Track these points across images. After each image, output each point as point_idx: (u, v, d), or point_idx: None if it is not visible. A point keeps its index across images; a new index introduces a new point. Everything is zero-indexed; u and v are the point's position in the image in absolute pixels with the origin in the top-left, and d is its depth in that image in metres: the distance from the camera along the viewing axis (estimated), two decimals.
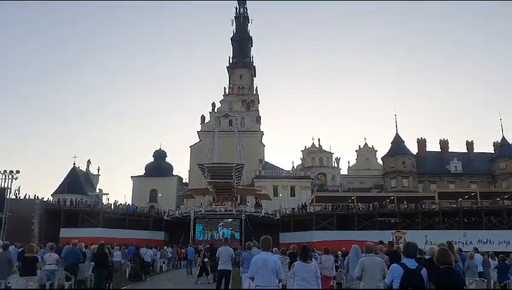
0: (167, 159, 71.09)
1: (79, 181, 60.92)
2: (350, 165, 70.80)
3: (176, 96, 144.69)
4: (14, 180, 40.19)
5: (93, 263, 13.12)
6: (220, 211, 48.18)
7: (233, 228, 47.55)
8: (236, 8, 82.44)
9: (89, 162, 68.90)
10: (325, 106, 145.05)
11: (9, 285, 9.23)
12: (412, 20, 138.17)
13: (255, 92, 77.09)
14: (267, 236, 6.98)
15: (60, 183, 60.05)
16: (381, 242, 11.88)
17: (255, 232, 37.44)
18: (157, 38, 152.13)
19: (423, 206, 49.62)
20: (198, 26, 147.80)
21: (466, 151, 69.83)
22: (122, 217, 48.92)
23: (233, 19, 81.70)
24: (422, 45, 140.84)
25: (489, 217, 46.63)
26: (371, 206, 48.79)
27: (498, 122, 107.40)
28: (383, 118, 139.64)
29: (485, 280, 12.43)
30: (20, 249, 16.41)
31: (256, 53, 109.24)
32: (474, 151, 70.06)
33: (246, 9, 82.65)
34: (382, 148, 71.81)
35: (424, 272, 5.53)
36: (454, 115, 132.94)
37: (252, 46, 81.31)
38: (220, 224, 48.04)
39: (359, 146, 72.01)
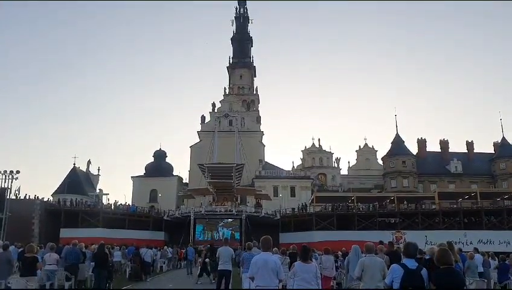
0: (167, 159, 71.11)
1: (79, 181, 60.92)
2: (350, 165, 70.77)
3: (176, 96, 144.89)
4: (14, 180, 40.28)
5: (93, 263, 13.13)
6: (220, 211, 48.18)
7: (233, 228, 47.56)
8: (236, 8, 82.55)
9: (89, 162, 68.95)
10: (325, 106, 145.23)
11: (9, 285, 9.23)
12: (412, 20, 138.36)
13: (255, 92, 77.11)
14: (267, 236, 6.98)
15: (60, 183, 60.04)
16: (381, 242, 11.89)
17: (255, 233, 37.45)
18: (157, 38, 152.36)
19: (423, 207, 49.65)
20: (198, 26, 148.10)
21: (466, 151, 69.82)
22: (122, 217, 48.91)
23: (234, 19, 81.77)
24: (422, 45, 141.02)
25: (489, 218, 46.62)
26: (371, 206, 48.79)
27: (498, 122, 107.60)
28: (383, 118, 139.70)
29: (485, 280, 12.44)
30: (20, 249, 16.42)
31: (256, 53, 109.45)
32: (475, 151, 70.05)
33: (246, 9, 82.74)
34: (382, 149, 71.92)
35: (424, 272, 5.53)
36: (454, 115, 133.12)
37: (252, 46, 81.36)
38: (220, 224, 48.05)
39: (359, 146, 71.99)
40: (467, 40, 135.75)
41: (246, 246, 12.91)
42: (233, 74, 77.91)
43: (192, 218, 46.71)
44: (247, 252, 11.59)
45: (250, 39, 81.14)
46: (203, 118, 69.96)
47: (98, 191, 64.62)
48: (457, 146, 78.94)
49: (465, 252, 12.38)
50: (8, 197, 40.47)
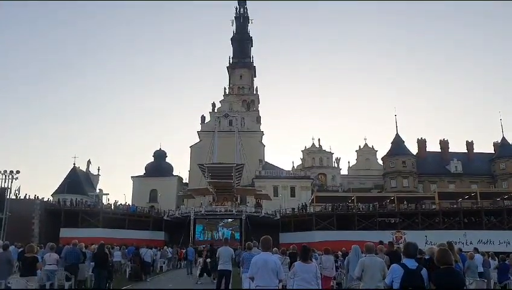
0: (167, 159, 71.12)
1: (79, 181, 60.91)
2: (350, 165, 70.78)
3: (176, 96, 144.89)
4: (14, 180, 40.30)
5: (93, 263, 13.12)
6: (220, 211, 48.18)
7: (233, 228, 47.56)
8: (236, 8, 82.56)
9: (89, 162, 68.94)
10: (325, 106, 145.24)
11: (9, 285, 9.23)
12: (412, 20, 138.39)
13: (255, 92, 77.11)
14: (267, 236, 6.98)
15: (60, 183, 60.04)
16: (381, 242, 11.89)
17: (255, 233, 37.44)
18: (157, 38, 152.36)
19: (423, 207, 49.68)
20: (198, 26, 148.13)
21: (466, 151, 69.84)
22: (122, 217, 48.92)
23: (234, 19, 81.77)
24: (422, 45, 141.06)
25: (489, 218, 46.63)
26: (371, 206, 48.80)
27: (498, 122, 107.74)
28: (383, 118, 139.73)
29: (485, 280, 12.44)
30: (20, 249, 16.42)
31: (256, 53, 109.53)
32: (474, 151, 70.07)
33: (246, 9, 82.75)
34: (382, 149, 71.94)
35: (424, 272, 5.54)
36: (454, 115, 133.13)
37: (252, 46, 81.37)
38: (220, 224, 48.06)
39: (359, 146, 72.00)
40: (467, 40, 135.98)
41: (246, 246, 12.89)
42: (233, 74, 77.92)
43: (192, 218, 46.71)
44: (247, 252, 11.58)
45: (250, 39, 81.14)
46: (203, 118, 69.97)
47: (98, 191, 64.66)
48: (457, 146, 79.05)
49: (465, 252, 12.37)
50: (8, 197, 40.49)
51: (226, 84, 77.68)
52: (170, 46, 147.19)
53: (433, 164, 66.77)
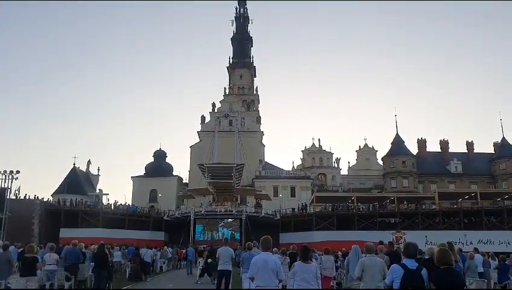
0: (167, 159, 71.08)
1: (79, 181, 60.90)
2: (350, 166, 70.74)
3: (176, 96, 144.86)
4: (14, 180, 40.21)
5: (93, 263, 13.12)
6: (220, 211, 48.19)
7: (233, 228, 47.58)
8: (236, 8, 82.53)
9: (89, 162, 68.94)
10: (325, 106, 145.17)
11: (9, 285, 9.23)
12: (412, 20, 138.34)
13: (255, 92, 77.10)
14: (267, 236, 6.98)
15: (60, 183, 60.02)
16: (381, 242, 11.90)
17: (255, 233, 37.47)
18: (157, 38, 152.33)
19: (423, 207, 49.68)
20: (198, 26, 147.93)
21: (466, 151, 69.82)
22: (122, 217, 48.91)
23: (234, 19, 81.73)
24: (422, 45, 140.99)
25: (489, 218, 46.63)
26: (371, 206, 48.80)
27: (498, 123, 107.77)
28: (383, 118, 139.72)
29: (485, 280, 12.45)
30: (20, 250, 16.43)
31: (256, 53, 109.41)
32: (475, 151, 70.05)
33: (246, 9, 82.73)
34: (382, 149, 71.87)
35: (424, 272, 5.53)
36: (454, 115, 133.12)
37: (252, 46, 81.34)
38: (220, 224, 48.06)
39: (359, 146, 71.96)
40: (467, 40, 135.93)
41: (246, 246, 12.90)
42: (233, 73, 77.92)
43: (192, 218, 46.71)
44: (247, 252, 11.58)
45: (250, 39, 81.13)
46: (203, 118, 69.94)
47: (98, 191, 64.68)
48: (457, 146, 79.12)
49: (465, 252, 12.38)
50: (8, 197, 40.44)
51: (226, 84, 77.76)
52: (170, 46, 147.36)
53: (433, 164, 66.78)
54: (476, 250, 14.39)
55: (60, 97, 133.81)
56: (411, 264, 5.64)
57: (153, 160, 69.73)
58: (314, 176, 64.67)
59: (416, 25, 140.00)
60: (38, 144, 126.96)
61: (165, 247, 29.94)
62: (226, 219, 48.17)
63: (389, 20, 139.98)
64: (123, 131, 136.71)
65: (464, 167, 65.91)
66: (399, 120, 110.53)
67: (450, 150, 69.29)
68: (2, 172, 39.95)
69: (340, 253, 18.43)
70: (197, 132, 68.91)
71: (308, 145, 71.33)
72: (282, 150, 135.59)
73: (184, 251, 29.82)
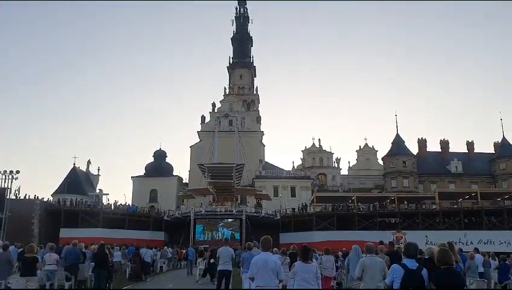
0: (167, 159, 71.08)
1: (79, 181, 60.91)
2: (350, 166, 70.78)
3: (176, 96, 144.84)
4: (14, 180, 40.24)
5: (93, 263, 13.11)
6: (220, 211, 48.19)
7: (233, 228, 47.58)
8: (236, 8, 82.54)
9: (89, 162, 68.95)
10: (325, 106, 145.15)
11: (9, 285, 9.22)
12: (412, 20, 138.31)
13: (255, 92, 77.11)
14: (267, 236, 6.97)
15: (60, 183, 60.02)
16: (381, 242, 11.90)
17: (255, 233, 37.46)
18: (157, 38, 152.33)
19: (423, 207, 49.65)
20: (198, 26, 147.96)
21: (466, 151, 69.84)
22: (122, 217, 48.91)
23: (234, 19, 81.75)
24: (422, 45, 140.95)
25: (489, 218, 46.62)
26: (371, 206, 48.78)
27: (498, 122, 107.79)
28: (383, 118, 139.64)
29: (486, 280, 12.43)
30: (20, 250, 16.42)
31: (256, 53, 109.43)
32: (475, 151, 70.04)
33: (246, 9, 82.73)
34: (382, 149, 71.89)
35: (424, 272, 5.53)
36: (455, 115, 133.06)
37: (252, 46, 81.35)
38: (220, 224, 48.06)
39: (359, 146, 71.98)
40: (467, 40, 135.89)
41: (246, 246, 12.89)
42: (233, 73, 77.92)
43: (192, 218, 46.71)
44: (247, 252, 11.57)
45: (250, 39, 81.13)
46: (203, 118, 69.94)
47: (98, 191, 64.68)
48: (457, 146, 79.10)
49: (466, 252, 12.36)
50: (8, 197, 40.46)
51: (226, 84, 77.77)
52: (170, 46, 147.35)
53: (433, 164, 66.77)
54: (477, 250, 14.38)
55: (60, 97, 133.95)
56: (411, 264, 5.63)
57: (153, 160, 69.73)
58: (315, 176, 64.67)
59: (416, 25, 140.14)
60: (38, 144, 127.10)
61: (165, 247, 29.94)
62: (226, 219, 48.17)
63: (389, 20, 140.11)
64: (123, 131, 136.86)
65: (464, 167, 65.91)
66: (399, 120, 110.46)
67: (450, 150, 69.30)
68: (2, 172, 39.99)
69: (340, 253, 18.43)
70: (197, 131, 68.92)
71: (308, 145, 71.41)
72: (282, 150, 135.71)
73: (184, 251, 29.81)
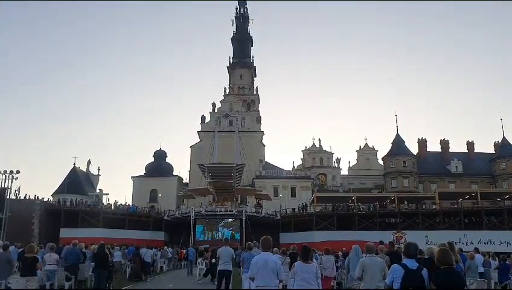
0: (167, 159, 71.09)
1: (79, 181, 60.91)
2: (350, 166, 70.79)
3: (176, 96, 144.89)
4: (14, 180, 40.26)
5: (94, 263, 13.12)
6: (220, 211, 48.19)
7: (233, 228, 47.58)
8: (236, 8, 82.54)
9: (89, 162, 68.94)
10: (325, 106, 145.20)
11: (9, 285, 9.22)
12: (412, 20, 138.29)
13: (255, 92, 77.09)
14: (267, 236, 6.97)
15: (60, 183, 60.02)
16: (381, 242, 11.90)
17: (255, 233, 37.46)
18: (157, 38, 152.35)
19: (424, 207, 49.65)
20: (198, 26, 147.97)
21: (467, 151, 69.83)
22: (122, 217, 48.92)
23: (234, 19, 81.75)
24: (422, 45, 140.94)
25: (490, 218, 46.62)
26: (371, 206, 48.77)
27: (498, 122, 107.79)
28: (383, 118, 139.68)
29: (486, 280, 12.42)
30: (20, 250, 16.43)
31: (257, 53, 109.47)
32: (475, 151, 70.04)
33: (246, 9, 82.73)
34: (383, 149, 71.92)
35: (424, 272, 5.52)
36: (455, 115, 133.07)
37: (252, 46, 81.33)
38: (220, 224, 48.06)
39: (359, 146, 72.00)
40: (467, 40, 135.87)
41: (246, 246, 12.88)
42: (234, 73, 77.91)
43: (192, 218, 46.71)
44: (247, 252, 11.56)
45: (250, 39, 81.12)
46: (203, 118, 69.94)
47: (98, 191, 64.64)
48: (457, 146, 79.04)
49: (466, 252, 12.35)
50: (8, 197, 40.47)
51: (226, 84, 77.76)
52: (170, 46, 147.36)
53: (433, 164, 66.77)
54: (477, 250, 14.37)
55: (60, 97, 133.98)
56: (411, 264, 5.63)
57: (153, 160, 69.75)
58: (315, 176, 64.67)
59: (416, 25, 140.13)
60: (38, 144, 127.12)
61: (165, 247, 29.94)
62: (226, 219, 48.16)
63: (389, 20, 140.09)
64: (123, 131, 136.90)
65: (464, 167, 65.91)
66: (399, 120, 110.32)
67: (450, 150, 69.31)
68: (2, 172, 40.01)
69: (340, 253, 18.43)
70: (197, 131, 68.92)
71: (309, 145, 71.42)
72: (283, 150, 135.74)
73: (184, 251, 29.81)
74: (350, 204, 49.62)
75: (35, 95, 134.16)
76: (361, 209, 48.66)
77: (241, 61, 78.39)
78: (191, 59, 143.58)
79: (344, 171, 69.45)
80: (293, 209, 51.08)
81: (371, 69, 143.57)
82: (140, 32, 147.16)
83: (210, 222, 48.19)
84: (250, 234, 40.21)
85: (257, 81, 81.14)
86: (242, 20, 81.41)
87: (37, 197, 47.62)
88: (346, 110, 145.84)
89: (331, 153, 68.86)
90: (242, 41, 79.83)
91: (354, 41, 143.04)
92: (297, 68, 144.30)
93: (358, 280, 7.70)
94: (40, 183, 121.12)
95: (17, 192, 43.95)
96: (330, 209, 48.35)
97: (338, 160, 68.77)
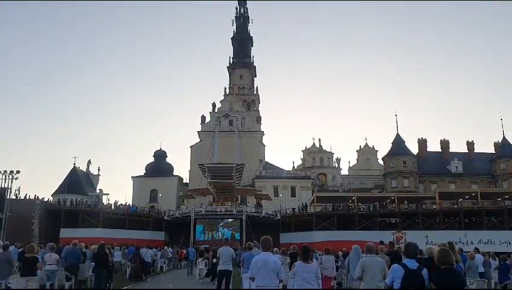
0: (167, 159, 71.11)
1: (79, 181, 60.92)
2: (351, 166, 70.79)
3: (176, 96, 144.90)
4: (14, 180, 40.34)
5: (94, 263, 13.11)
6: (221, 211, 48.19)
7: (233, 228, 47.58)
8: (236, 8, 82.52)
9: (89, 162, 68.93)
10: (325, 106, 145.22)
11: (9, 285, 9.22)
12: (412, 20, 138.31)
13: (255, 92, 77.08)
14: (267, 236, 6.97)
15: (60, 183, 60.02)
16: (381, 242, 11.90)
17: (255, 233, 37.46)
18: (157, 38, 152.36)
19: (424, 207, 49.65)
20: (198, 26, 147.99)
21: (467, 151, 69.83)
22: (122, 217, 48.92)
23: (234, 18, 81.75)
24: (422, 45, 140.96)
25: (490, 218, 46.61)
26: (371, 206, 48.78)
27: (499, 122, 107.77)
28: (383, 118, 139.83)
29: (486, 280, 12.42)
30: (20, 250, 16.42)
31: (257, 53, 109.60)
32: (475, 151, 70.03)
33: (246, 9, 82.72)
34: (383, 149, 71.93)
35: (424, 272, 5.53)
36: (455, 115, 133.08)
37: (252, 46, 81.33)
38: (221, 224, 48.06)
39: (360, 146, 72.00)
40: (467, 40, 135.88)
41: (246, 246, 12.88)
42: (234, 73, 77.90)
43: (192, 218, 46.72)
44: (247, 252, 11.56)
45: (251, 39, 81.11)
46: (203, 118, 69.93)
47: (98, 191, 64.62)
48: (457, 146, 79.02)
49: (466, 252, 12.35)
50: (8, 197, 40.49)
51: (226, 84, 77.78)
52: (170, 46, 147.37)
53: (433, 164, 66.76)
54: (477, 250, 14.37)
55: (60, 97, 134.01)
56: (412, 264, 5.63)
57: (153, 160, 69.76)
58: (315, 176, 64.67)
59: (416, 25, 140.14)
60: (38, 144, 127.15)
61: (166, 247, 29.95)
62: (226, 219, 48.16)
63: (389, 20, 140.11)
64: (123, 131, 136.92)
65: (465, 167, 65.90)
66: (399, 120, 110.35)
67: (450, 150, 69.29)
68: (2, 172, 40.06)
69: (340, 253, 18.42)
70: (197, 131, 68.91)
71: (309, 145, 71.42)
72: (283, 150, 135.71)
73: (185, 251, 29.81)
74: (350, 204, 49.61)
75: (35, 95, 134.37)
76: (362, 209, 48.66)
77: (241, 61, 78.38)
78: (191, 59, 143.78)
79: (344, 171, 69.49)
80: (293, 209, 51.06)
81: (371, 69, 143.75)
82: (140, 32, 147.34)
83: (210, 222, 48.19)
84: (250, 234, 40.20)
85: (257, 81, 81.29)
86: (242, 20, 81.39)
87: (37, 197, 47.65)
88: (346, 110, 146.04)
89: (331, 153, 68.87)
90: (242, 41, 79.82)
91: (354, 41, 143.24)
92: (297, 68, 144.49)
93: (359, 280, 7.70)
94: (40, 183, 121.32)
95: (17, 192, 44.09)
96: (330, 209, 48.35)
97: (338, 160, 68.80)
